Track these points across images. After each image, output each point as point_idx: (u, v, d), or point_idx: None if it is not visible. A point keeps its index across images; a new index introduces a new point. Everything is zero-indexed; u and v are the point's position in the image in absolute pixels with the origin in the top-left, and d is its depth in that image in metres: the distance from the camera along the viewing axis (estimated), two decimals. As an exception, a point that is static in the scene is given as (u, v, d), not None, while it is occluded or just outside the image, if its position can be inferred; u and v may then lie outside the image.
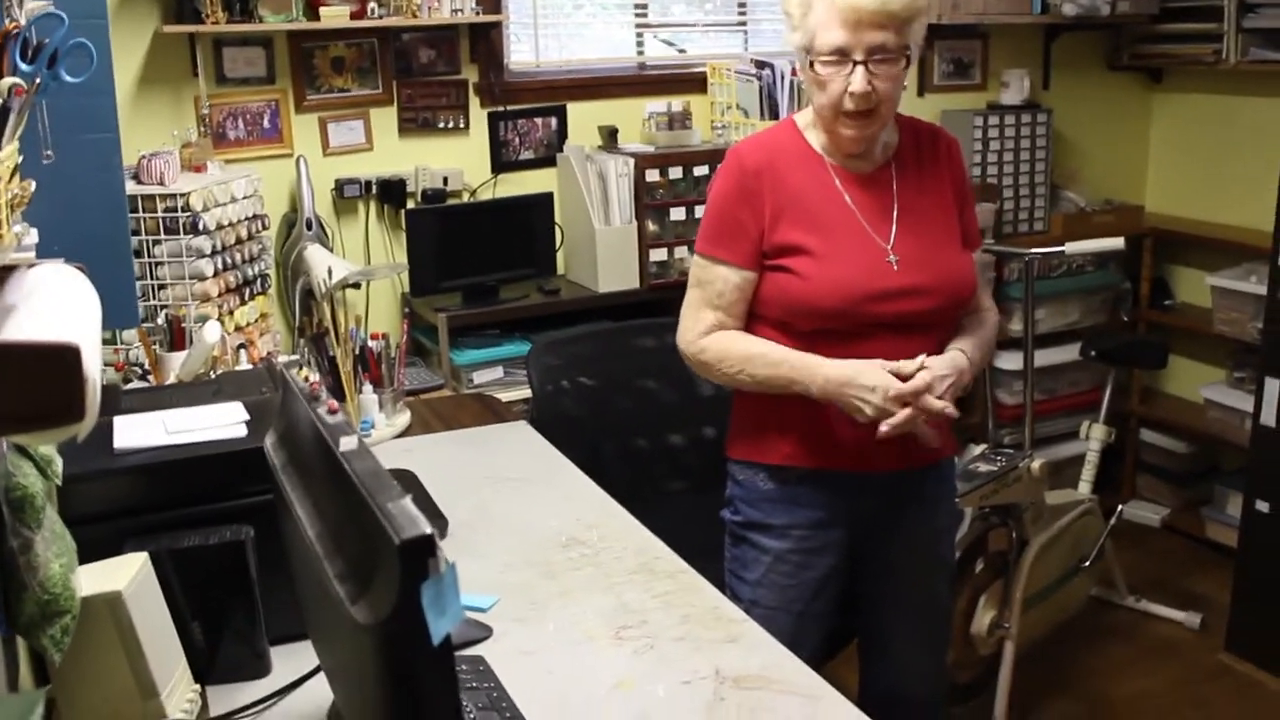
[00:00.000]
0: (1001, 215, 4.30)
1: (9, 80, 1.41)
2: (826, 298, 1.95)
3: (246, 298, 3.18)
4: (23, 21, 1.47)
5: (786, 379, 1.97)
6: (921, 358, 1.94)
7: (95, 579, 1.39)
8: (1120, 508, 3.87)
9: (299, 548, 1.20)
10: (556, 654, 1.64)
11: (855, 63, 1.89)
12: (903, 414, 1.90)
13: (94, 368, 1.01)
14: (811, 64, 1.93)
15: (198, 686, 1.51)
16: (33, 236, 1.59)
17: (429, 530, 0.89)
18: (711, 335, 2.04)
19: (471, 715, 1.41)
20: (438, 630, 0.89)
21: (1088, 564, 3.59)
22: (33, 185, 1.43)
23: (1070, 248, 3.54)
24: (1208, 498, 4.40)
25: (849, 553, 2.13)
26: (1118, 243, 3.53)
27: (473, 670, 1.55)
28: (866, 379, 1.91)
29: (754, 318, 2.06)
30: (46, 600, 1.29)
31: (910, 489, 2.11)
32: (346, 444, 1.08)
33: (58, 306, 1.06)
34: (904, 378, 1.92)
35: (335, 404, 1.21)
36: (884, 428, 1.91)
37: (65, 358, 0.91)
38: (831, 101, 1.93)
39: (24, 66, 1.46)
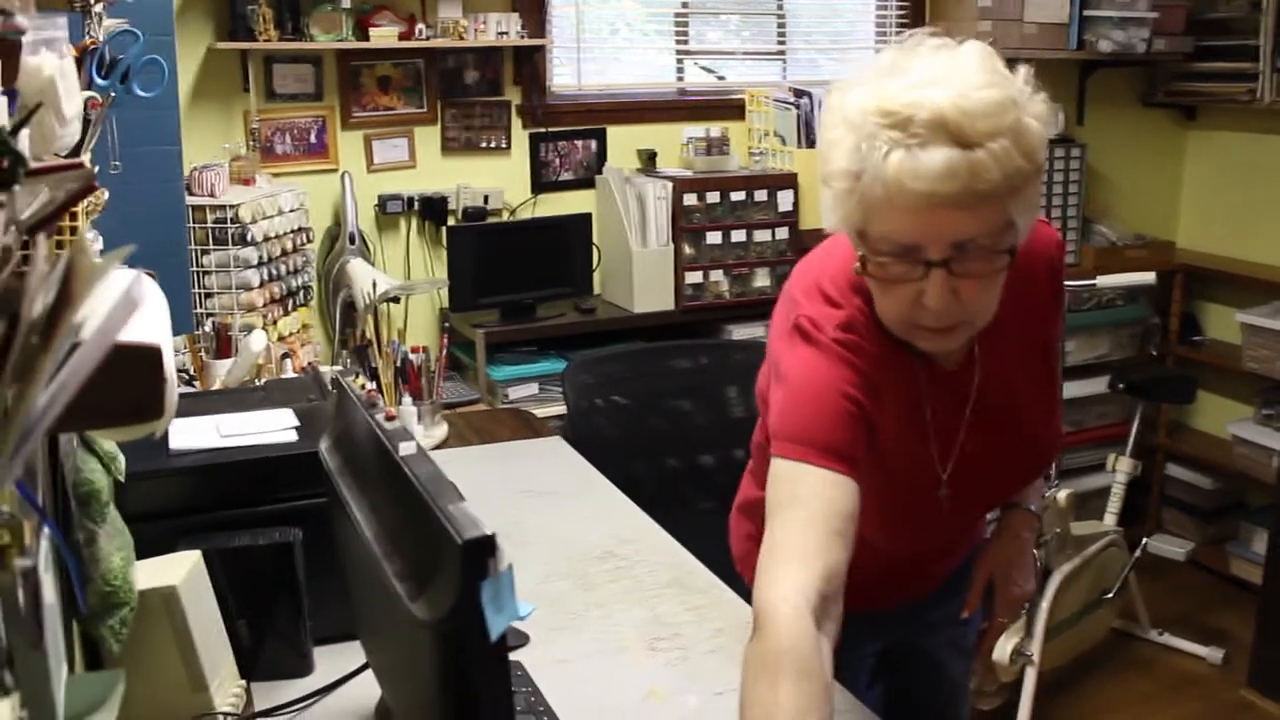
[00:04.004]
0: (1033, 247, 4.33)
1: (86, 94, 1.47)
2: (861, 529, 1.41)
3: (289, 308, 3.25)
4: (101, 38, 1.54)
5: None
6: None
7: (151, 574, 1.43)
8: (1145, 541, 3.88)
9: (355, 548, 1.25)
10: (591, 662, 1.68)
11: (929, 264, 1.30)
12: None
13: (171, 368, 1.06)
14: (864, 261, 1.35)
15: (243, 682, 1.56)
16: (100, 244, 1.66)
17: (490, 531, 0.94)
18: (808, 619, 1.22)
19: None
20: (495, 627, 0.94)
21: (1111, 596, 3.60)
22: (105, 194, 1.49)
23: (1101, 281, 3.58)
24: (1233, 534, 4.40)
25: (883, 657, 1.93)
26: (1149, 277, 3.56)
27: (511, 675, 1.60)
28: None
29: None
30: (108, 592, 1.34)
31: (937, 595, 1.92)
32: (406, 449, 1.13)
33: (141, 310, 1.11)
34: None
35: (392, 411, 1.26)
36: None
37: (150, 358, 0.96)
38: (899, 313, 1.38)
39: (100, 81, 1.53)
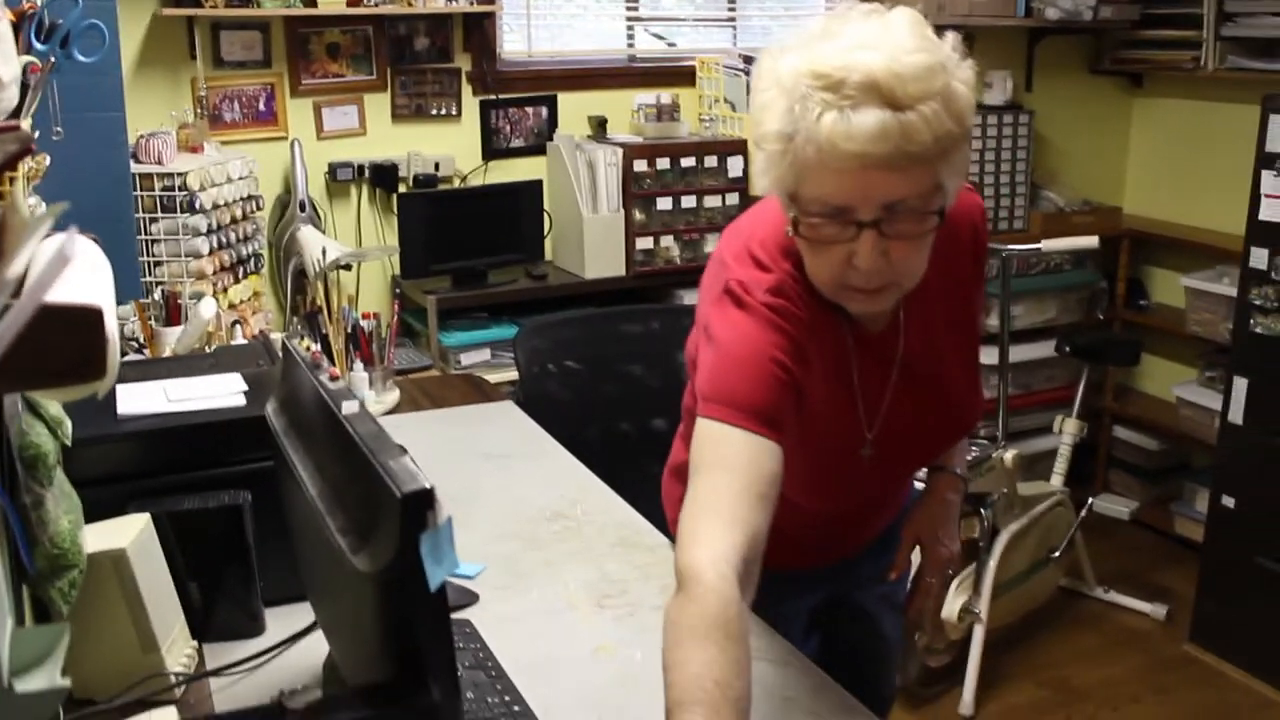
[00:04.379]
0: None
1: (24, 58, 1.47)
2: (786, 489, 1.39)
3: (240, 276, 3.24)
4: (39, 2, 1.53)
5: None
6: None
7: (100, 537, 1.44)
8: (1090, 501, 3.96)
9: (300, 506, 1.26)
10: (540, 620, 1.71)
11: (860, 225, 1.32)
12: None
13: (113, 329, 1.08)
14: (796, 223, 1.37)
15: (195, 643, 1.58)
16: (42, 209, 1.66)
17: (429, 485, 0.96)
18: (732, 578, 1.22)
19: (459, 674, 1.48)
20: (435, 578, 0.96)
21: (1057, 554, 3.67)
22: (48, 159, 1.49)
23: (1047, 245, 3.63)
24: (1177, 494, 4.49)
25: (817, 611, 1.94)
26: (1092, 241, 3.61)
27: (459, 632, 1.62)
28: None
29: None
30: (56, 555, 1.35)
31: (867, 553, 1.93)
32: (348, 408, 1.15)
33: (79, 271, 1.12)
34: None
35: (336, 371, 1.27)
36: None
37: (89, 318, 0.97)
38: (830, 273, 1.38)
39: (39, 46, 1.53)
